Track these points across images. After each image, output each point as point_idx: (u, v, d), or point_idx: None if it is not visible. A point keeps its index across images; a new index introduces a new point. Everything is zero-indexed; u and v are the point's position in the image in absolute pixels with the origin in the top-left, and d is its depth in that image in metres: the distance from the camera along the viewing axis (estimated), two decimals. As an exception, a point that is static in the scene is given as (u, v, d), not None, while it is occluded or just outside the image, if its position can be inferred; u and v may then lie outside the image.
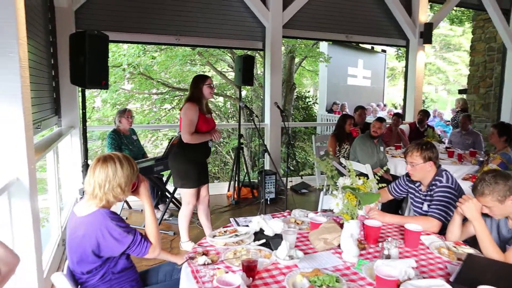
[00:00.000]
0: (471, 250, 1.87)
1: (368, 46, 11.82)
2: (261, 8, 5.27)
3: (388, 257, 1.73)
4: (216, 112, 10.23)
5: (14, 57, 1.94)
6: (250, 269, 1.54)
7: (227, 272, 1.54)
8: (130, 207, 4.53)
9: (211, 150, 3.32)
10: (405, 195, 2.64)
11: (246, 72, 4.77)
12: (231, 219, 2.26)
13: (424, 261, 1.77)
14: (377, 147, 4.29)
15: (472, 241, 1.98)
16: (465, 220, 1.97)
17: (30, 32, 2.86)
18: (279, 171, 5.39)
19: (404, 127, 6.03)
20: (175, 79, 10.04)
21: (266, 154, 4.59)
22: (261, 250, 1.80)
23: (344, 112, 9.23)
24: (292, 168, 8.49)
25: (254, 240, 1.93)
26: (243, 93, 10.48)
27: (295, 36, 5.91)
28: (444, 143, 5.71)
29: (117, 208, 4.04)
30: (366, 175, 3.63)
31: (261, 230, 2.05)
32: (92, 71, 2.88)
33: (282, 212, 2.42)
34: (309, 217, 2.18)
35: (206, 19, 5.12)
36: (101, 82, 3.06)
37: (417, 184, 2.49)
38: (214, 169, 9.78)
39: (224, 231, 2.04)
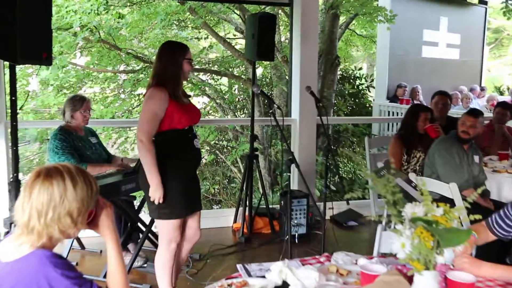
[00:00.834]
0: None
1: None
2: None
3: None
4: (217, 101, 10.26)
5: None
6: None
7: None
8: (83, 247, 4.55)
9: (201, 155, 3.30)
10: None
11: (263, 40, 4.77)
12: (239, 266, 2.28)
13: None
14: (469, 156, 4.25)
15: None
16: None
17: None
18: (313, 193, 5.34)
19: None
20: (153, 50, 10.04)
21: (293, 166, 4.55)
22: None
23: (415, 101, 9.15)
24: (333, 188, 8.46)
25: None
26: (259, 71, 10.51)
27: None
28: None
29: (63, 248, 4.06)
30: (450, 200, 3.59)
31: (285, 284, 2.05)
32: (26, 38, 2.91)
33: (317, 257, 2.43)
34: (359, 265, 2.17)
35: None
36: (41, 54, 3.10)
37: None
38: (213, 188, 9.80)
39: (228, 285, 2.03)
